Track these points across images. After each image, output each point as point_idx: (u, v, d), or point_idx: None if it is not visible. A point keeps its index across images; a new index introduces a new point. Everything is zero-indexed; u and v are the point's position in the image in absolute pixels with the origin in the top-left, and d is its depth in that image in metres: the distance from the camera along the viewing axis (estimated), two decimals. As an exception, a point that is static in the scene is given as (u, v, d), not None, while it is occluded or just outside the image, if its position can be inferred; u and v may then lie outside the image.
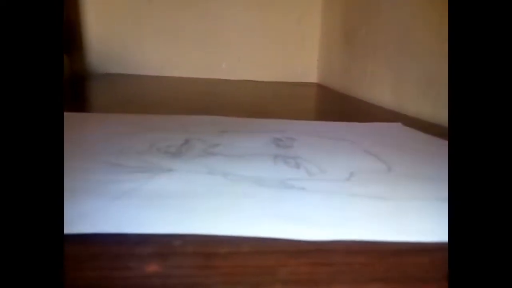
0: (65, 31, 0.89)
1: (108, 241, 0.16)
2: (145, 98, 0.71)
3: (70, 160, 0.27)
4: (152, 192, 0.21)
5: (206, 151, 0.31)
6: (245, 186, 0.23)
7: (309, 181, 0.25)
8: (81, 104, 0.64)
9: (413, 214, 0.20)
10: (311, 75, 1.14)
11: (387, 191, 0.23)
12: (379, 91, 0.82)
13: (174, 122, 0.44)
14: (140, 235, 0.16)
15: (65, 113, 0.44)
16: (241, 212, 0.19)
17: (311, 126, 0.46)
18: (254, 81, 1.07)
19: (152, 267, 0.14)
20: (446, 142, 0.38)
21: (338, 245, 0.16)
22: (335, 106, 0.79)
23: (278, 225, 0.18)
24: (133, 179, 0.23)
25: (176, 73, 1.04)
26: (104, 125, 0.40)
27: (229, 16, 1.07)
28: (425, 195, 0.23)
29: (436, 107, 0.60)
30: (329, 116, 0.63)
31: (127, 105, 0.61)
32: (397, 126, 0.49)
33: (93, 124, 0.41)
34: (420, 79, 0.65)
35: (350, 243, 0.16)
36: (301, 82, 1.11)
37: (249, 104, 0.69)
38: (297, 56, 1.13)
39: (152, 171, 0.25)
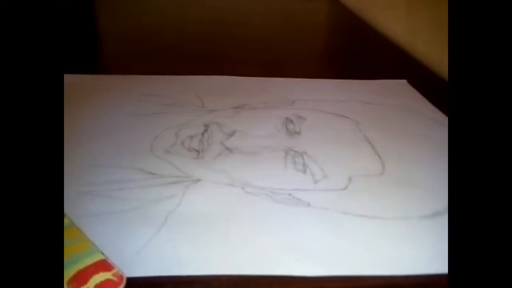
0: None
1: (165, 282, 0.22)
2: (154, 35, 0.72)
3: (110, 166, 0.32)
4: (187, 217, 0.27)
5: (224, 144, 0.36)
6: (261, 203, 0.29)
7: (313, 192, 0.30)
8: (87, 47, 0.66)
9: (399, 240, 0.26)
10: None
11: (377, 206, 0.29)
12: (392, 22, 0.81)
13: (189, 89, 0.47)
14: (188, 276, 0.22)
15: (83, 76, 0.48)
16: (261, 246, 0.25)
17: (319, 90, 0.49)
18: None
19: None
20: (445, 120, 0.42)
21: (332, 282, 0.22)
22: (346, 39, 0.80)
23: (285, 261, 0.24)
24: (169, 195, 0.29)
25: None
26: (122, 99, 0.44)
27: None
28: (411, 212, 0.28)
29: (443, 55, 0.61)
30: (338, 60, 0.65)
31: (137, 48, 0.63)
32: (402, 85, 0.52)
33: (112, 98, 0.45)
34: (431, 21, 0.65)
35: (343, 278, 0.23)
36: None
37: (259, 43, 0.70)
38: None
39: (183, 181, 0.31)
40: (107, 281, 0.21)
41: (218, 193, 0.30)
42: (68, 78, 0.49)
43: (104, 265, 0.22)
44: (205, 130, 0.38)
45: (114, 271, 0.22)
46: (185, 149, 0.35)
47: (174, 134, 0.38)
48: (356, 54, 0.70)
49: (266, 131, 0.39)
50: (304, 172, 0.33)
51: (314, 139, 0.38)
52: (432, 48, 0.65)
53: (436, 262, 0.24)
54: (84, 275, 0.22)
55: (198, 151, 0.35)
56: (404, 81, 0.54)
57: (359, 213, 0.28)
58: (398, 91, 0.51)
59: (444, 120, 0.42)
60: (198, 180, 0.31)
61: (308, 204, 0.29)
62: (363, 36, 0.80)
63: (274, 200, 0.29)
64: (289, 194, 0.30)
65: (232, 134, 0.38)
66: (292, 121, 0.41)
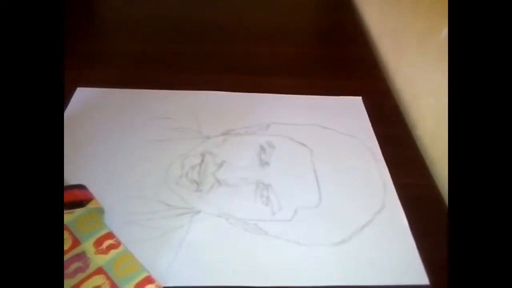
0: None
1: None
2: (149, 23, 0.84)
3: (141, 198, 0.51)
4: (193, 243, 0.47)
5: (216, 176, 0.55)
6: (237, 232, 0.49)
7: (270, 223, 0.50)
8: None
9: (314, 262, 0.46)
10: None
11: (307, 235, 0.49)
12: (369, 11, 0.93)
13: (187, 109, 0.64)
14: (194, 286, 0.43)
15: (95, 90, 0.65)
16: (234, 266, 0.45)
17: (290, 111, 0.66)
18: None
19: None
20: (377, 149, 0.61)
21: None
22: (327, 25, 0.92)
23: (248, 276, 0.45)
24: (179, 225, 0.49)
25: None
26: (135, 122, 0.61)
27: None
28: (326, 240, 0.49)
29: (397, 66, 0.77)
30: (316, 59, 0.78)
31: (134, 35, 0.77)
32: (356, 104, 0.69)
33: (126, 120, 0.62)
34: (397, 32, 0.79)
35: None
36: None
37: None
38: None
39: (189, 212, 0.50)
40: (152, 290, 0.42)
41: (211, 224, 0.49)
42: (81, 92, 0.66)
43: (149, 279, 0.43)
44: (202, 160, 0.57)
45: (155, 283, 0.43)
46: (188, 181, 0.54)
47: (180, 165, 0.56)
48: (334, 46, 0.84)
49: (245, 161, 0.57)
50: (267, 204, 0.52)
51: (278, 171, 0.56)
52: (390, 56, 0.80)
53: (333, 277, 0.45)
54: (139, 285, 0.42)
55: (197, 183, 0.54)
56: (359, 99, 0.70)
57: (295, 241, 0.49)
58: (352, 112, 0.68)
59: (379, 153, 0.60)
60: (199, 212, 0.51)
61: (266, 233, 0.49)
62: (342, 26, 0.93)
63: (245, 229, 0.49)
64: (255, 224, 0.50)
65: (221, 165, 0.56)
66: (265, 150, 0.59)
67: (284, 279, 0.45)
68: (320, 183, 0.55)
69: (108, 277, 0.43)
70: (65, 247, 0.45)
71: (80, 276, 0.43)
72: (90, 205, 0.47)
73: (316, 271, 0.46)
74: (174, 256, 0.46)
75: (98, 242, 0.46)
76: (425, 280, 0.46)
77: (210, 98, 0.68)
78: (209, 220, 0.50)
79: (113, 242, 0.46)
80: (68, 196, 0.47)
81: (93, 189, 0.50)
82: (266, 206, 0.52)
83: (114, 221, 0.48)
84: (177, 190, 0.53)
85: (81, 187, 0.49)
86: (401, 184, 0.56)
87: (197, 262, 0.46)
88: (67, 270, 0.43)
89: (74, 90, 0.67)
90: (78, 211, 0.46)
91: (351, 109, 0.68)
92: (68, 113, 0.63)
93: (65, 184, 0.50)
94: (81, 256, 0.44)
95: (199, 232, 0.49)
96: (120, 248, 0.46)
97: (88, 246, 0.45)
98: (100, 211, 0.48)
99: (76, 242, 0.45)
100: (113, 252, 0.45)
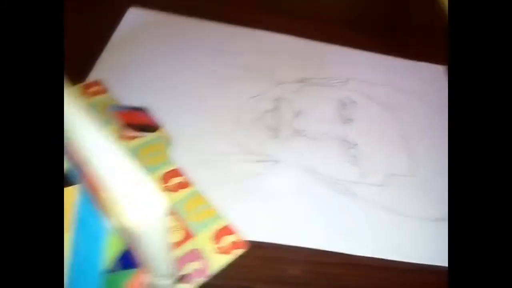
0: None
1: (267, 247, 0.36)
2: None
3: (215, 136, 0.44)
4: (270, 195, 0.40)
5: (293, 125, 0.48)
6: (322, 189, 0.42)
7: (359, 185, 0.44)
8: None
9: (412, 236, 0.40)
10: None
11: (402, 204, 0.43)
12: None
13: (256, 48, 0.57)
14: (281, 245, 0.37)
15: (150, 13, 0.56)
16: (320, 225, 0.39)
17: (369, 68, 0.59)
18: None
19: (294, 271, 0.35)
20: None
21: (364, 259, 0.38)
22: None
23: (336, 240, 0.38)
24: (256, 173, 0.42)
25: None
26: (198, 52, 0.54)
27: None
28: (421, 213, 0.43)
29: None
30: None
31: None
32: (438, 71, 0.63)
33: (187, 49, 0.54)
34: None
35: (373, 259, 0.38)
36: None
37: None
38: None
39: (267, 160, 0.43)
40: (233, 242, 0.35)
41: (291, 176, 0.43)
42: (134, 13, 0.58)
43: (229, 229, 0.36)
44: (276, 106, 0.49)
45: (236, 235, 0.36)
46: (264, 126, 0.47)
47: (251, 107, 0.49)
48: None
49: (324, 115, 0.50)
50: (354, 164, 0.46)
51: (362, 131, 0.50)
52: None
53: (432, 256, 0.39)
54: (219, 235, 0.35)
55: (274, 130, 0.47)
56: (441, 68, 0.64)
57: (388, 208, 0.42)
58: (435, 81, 0.61)
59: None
60: (277, 161, 0.44)
61: (355, 195, 0.43)
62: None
63: (332, 188, 0.43)
64: (343, 184, 0.43)
65: (298, 114, 0.49)
66: (346, 105, 0.52)
67: (376, 249, 0.39)
68: (412, 150, 0.49)
69: (179, 219, 0.36)
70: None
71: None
72: (160, 133, 0.40)
73: (411, 246, 0.40)
74: (247, 207, 0.39)
75: (165, 178, 0.39)
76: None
77: (284, 41, 0.60)
78: (289, 172, 0.43)
79: (182, 181, 0.39)
80: (131, 118, 0.40)
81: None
82: (353, 166, 0.45)
83: (179, 158, 0.41)
84: (251, 133, 0.46)
85: (144, 110, 0.41)
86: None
87: (275, 217, 0.39)
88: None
89: (126, 10, 0.59)
90: (149, 136, 0.39)
91: (436, 79, 0.62)
92: (117, 35, 0.55)
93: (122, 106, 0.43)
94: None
95: (279, 184, 0.42)
96: (192, 188, 0.39)
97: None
98: (168, 142, 0.41)
99: (139, 174, 0.38)
100: (183, 192, 0.38)
